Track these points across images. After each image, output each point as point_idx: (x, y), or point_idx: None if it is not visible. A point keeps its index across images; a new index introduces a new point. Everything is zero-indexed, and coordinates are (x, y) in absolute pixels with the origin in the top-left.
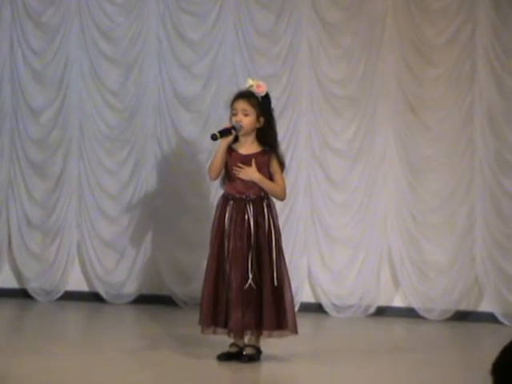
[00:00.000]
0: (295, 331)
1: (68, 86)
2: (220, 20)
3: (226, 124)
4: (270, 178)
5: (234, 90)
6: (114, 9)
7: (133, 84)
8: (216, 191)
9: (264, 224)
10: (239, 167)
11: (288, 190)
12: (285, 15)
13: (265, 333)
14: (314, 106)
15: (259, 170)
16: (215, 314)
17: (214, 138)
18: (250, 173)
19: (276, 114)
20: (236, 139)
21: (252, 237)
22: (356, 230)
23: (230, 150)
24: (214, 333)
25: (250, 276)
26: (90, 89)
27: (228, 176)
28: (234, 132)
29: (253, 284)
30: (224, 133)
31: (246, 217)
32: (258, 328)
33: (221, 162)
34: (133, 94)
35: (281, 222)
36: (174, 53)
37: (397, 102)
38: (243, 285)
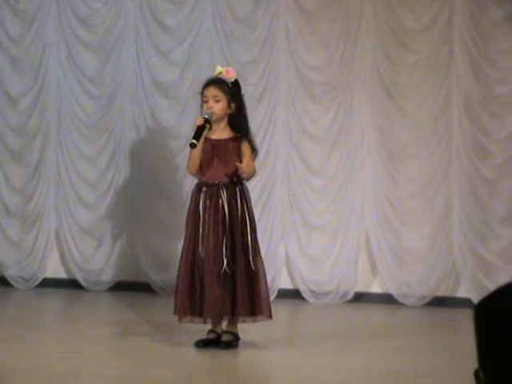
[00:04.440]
0: (270, 316)
1: (46, 72)
2: (198, 6)
3: (197, 121)
4: (240, 161)
5: (211, 76)
6: None
7: (110, 71)
8: (193, 178)
9: (237, 208)
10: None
11: (265, 177)
12: (262, 2)
13: (239, 318)
14: (292, 92)
15: (230, 155)
16: (192, 302)
17: (192, 146)
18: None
19: (253, 100)
20: (210, 126)
21: (226, 222)
22: (334, 216)
23: (203, 140)
24: (191, 322)
25: (225, 261)
26: (68, 75)
27: (200, 165)
28: (207, 126)
29: (227, 269)
30: (199, 134)
31: (220, 202)
32: (233, 313)
33: (198, 156)
34: (110, 80)
35: (258, 208)
36: (152, 39)
37: (374, 89)
38: (218, 270)
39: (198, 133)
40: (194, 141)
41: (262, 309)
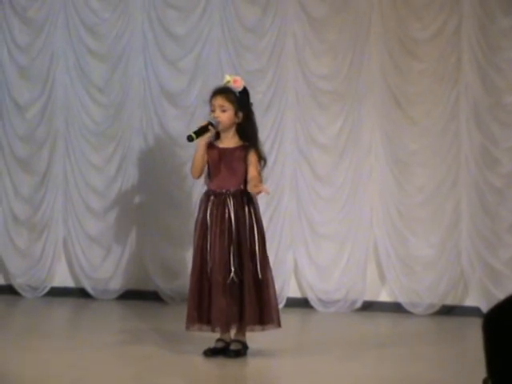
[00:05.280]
0: (279, 325)
1: (54, 81)
2: (206, 15)
3: (202, 122)
4: (246, 171)
5: (219, 85)
6: (99, 4)
7: (118, 79)
8: (202, 186)
9: (245, 217)
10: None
11: (274, 185)
12: (270, 10)
13: (247, 327)
14: (300, 100)
15: (236, 164)
16: (200, 310)
17: (189, 139)
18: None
19: (262, 108)
20: (218, 135)
21: (233, 231)
22: (342, 225)
23: (211, 146)
24: (200, 330)
25: (233, 269)
26: (76, 84)
27: (209, 172)
28: (211, 129)
29: (235, 277)
30: (200, 132)
31: (226, 211)
32: (241, 322)
33: (201, 161)
34: (118, 89)
35: (267, 216)
36: (160, 48)
37: (382, 97)
38: (226, 278)
39: (200, 130)
40: (193, 134)
41: (271, 317)
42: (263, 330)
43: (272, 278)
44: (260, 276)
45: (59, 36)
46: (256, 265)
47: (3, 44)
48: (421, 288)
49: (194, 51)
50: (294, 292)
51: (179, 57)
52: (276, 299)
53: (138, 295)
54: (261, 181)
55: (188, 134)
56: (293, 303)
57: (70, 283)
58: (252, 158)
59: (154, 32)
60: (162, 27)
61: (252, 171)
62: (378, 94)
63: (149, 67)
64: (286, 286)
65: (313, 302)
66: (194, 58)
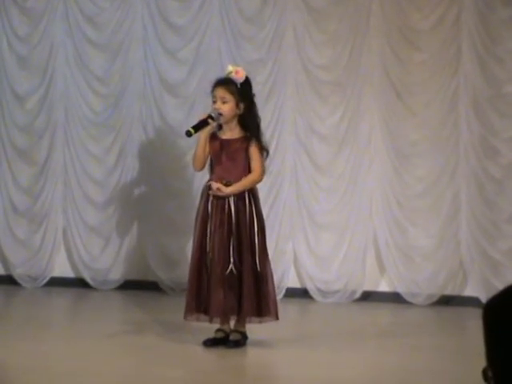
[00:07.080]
0: (276, 317)
1: (53, 71)
2: (205, 5)
3: (201, 115)
4: (248, 163)
5: (220, 76)
6: None
7: (118, 69)
8: (202, 177)
9: (245, 209)
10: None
11: (274, 176)
12: (270, 0)
13: (246, 318)
14: (300, 91)
15: (237, 154)
16: (198, 300)
17: (188, 134)
18: (223, 190)
19: (261, 99)
20: (220, 126)
21: (232, 222)
22: (342, 215)
23: (213, 137)
24: (198, 320)
25: (231, 261)
26: (76, 74)
27: (211, 163)
28: (211, 122)
29: (234, 269)
30: (199, 126)
31: (226, 202)
32: (239, 313)
33: (202, 153)
34: (118, 79)
35: (266, 207)
36: (160, 38)
37: (382, 87)
38: (224, 270)
39: (199, 125)
40: (191, 129)
41: (269, 310)
42: (261, 322)
43: (271, 271)
44: (259, 269)
45: (58, 26)
46: (255, 258)
47: (2, 34)
48: (420, 278)
49: (193, 41)
50: (293, 282)
51: (179, 47)
52: (274, 292)
53: (137, 285)
54: (263, 171)
55: (187, 128)
56: (292, 293)
57: (69, 273)
58: (254, 153)
59: (153, 22)
60: (162, 17)
61: (255, 170)
62: (377, 84)
63: (148, 57)
64: (285, 277)
65: (312, 292)
66: (194, 48)
